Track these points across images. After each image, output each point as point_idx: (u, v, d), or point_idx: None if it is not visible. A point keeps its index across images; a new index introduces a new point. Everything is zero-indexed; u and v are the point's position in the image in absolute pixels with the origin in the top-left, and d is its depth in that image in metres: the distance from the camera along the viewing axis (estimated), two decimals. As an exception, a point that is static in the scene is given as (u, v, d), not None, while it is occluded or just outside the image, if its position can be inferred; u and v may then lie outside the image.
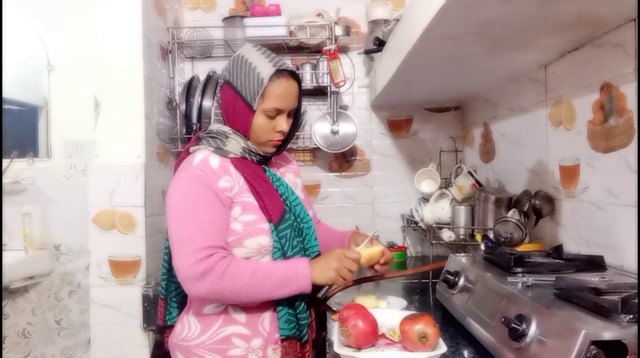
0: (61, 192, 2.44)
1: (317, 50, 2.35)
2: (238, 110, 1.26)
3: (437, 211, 2.07)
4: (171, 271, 1.28)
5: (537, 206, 1.51)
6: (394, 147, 2.51)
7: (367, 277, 1.51)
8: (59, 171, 2.45)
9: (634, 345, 0.73)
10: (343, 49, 2.41)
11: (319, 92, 2.37)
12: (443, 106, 2.49)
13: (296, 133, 2.26)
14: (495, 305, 1.04)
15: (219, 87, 1.31)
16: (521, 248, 1.44)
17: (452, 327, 1.27)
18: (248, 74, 1.24)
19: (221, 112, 1.30)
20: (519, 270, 1.12)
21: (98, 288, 1.98)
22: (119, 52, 1.99)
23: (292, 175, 1.43)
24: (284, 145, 1.35)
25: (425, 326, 1.00)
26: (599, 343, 0.74)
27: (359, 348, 1.04)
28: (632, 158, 1.13)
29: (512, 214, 1.54)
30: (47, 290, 2.47)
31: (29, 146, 2.49)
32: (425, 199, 2.24)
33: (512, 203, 1.67)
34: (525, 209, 1.59)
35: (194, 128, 2.22)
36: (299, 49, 2.39)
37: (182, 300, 1.33)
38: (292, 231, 1.25)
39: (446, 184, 2.26)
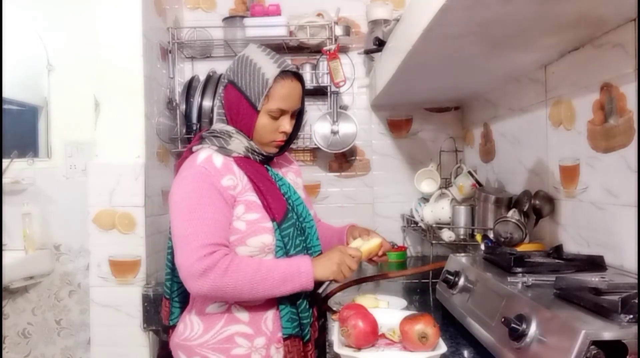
0: (61, 192, 2.44)
1: (317, 50, 2.35)
2: (242, 110, 1.26)
3: (437, 211, 2.07)
4: (175, 270, 1.29)
5: (537, 206, 1.51)
6: (394, 147, 2.51)
7: (367, 277, 1.51)
8: (59, 171, 2.45)
9: (634, 345, 0.73)
10: (343, 49, 2.41)
11: (319, 92, 2.37)
12: (443, 106, 2.49)
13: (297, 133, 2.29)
14: (495, 305, 1.04)
15: (222, 87, 1.31)
16: (521, 248, 1.44)
17: (452, 327, 1.27)
18: (253, 75, 1.25)
19: (224, 112, 1.30)
20: (519, 270, 1.12)
21: (98, 288, 1.98)
22: (119, 52, 1.99)
23: (294, 175, 1.44)
24: (286, 145, 1.36)
25: (425, 326, 1.00)
26: (599, 343, 0.74)
27: (359, 348, 1.04)
28: (632, 157, 1.13)
29: (512, 214, 1.54)
30: (47, 290, 2.47)
31: (29, 146, 2.49)
32: (425, 199, 2.24)
33: (512, 203, 1.67)
34: (525, 209, 1.59)
35: (194, 128, 2.22)
36: (299, 49, 2.39)
37: (184, 300, 1.33)
38: (294, 230, 1.26)
39: (446, 184, 2.26)
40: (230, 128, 1.28)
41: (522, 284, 1.02)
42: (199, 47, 2.40)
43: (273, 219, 1.23)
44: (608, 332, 0.74)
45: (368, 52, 2.26)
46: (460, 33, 1.18)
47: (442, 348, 1.01)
